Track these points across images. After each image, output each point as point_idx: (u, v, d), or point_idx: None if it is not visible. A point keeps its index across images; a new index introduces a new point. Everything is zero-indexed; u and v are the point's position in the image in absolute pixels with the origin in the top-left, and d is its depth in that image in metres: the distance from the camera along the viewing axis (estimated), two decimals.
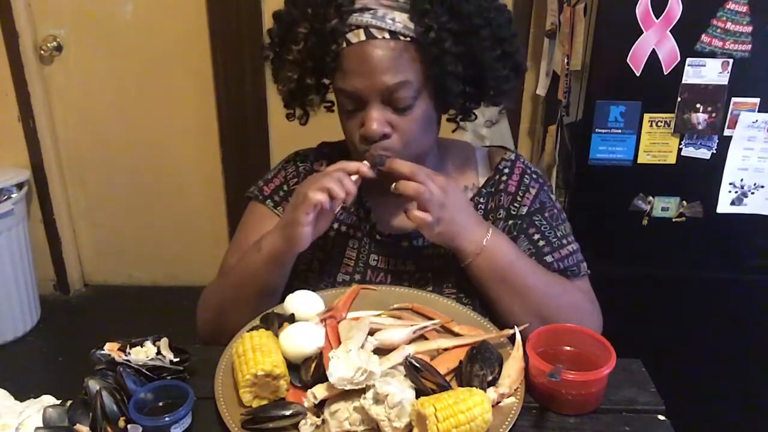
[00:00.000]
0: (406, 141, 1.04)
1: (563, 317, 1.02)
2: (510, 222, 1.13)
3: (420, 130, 1.05)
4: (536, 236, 1.13)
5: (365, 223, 1.16)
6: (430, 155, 1.14)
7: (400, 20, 0.99)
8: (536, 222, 1.13)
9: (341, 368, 0.82)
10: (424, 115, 1.04)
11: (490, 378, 0.88)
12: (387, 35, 0.99)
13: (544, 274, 1.08)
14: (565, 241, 1.14)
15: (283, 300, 1.05)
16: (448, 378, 0.90)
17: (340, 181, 0.99)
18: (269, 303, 1.07)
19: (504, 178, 1.16)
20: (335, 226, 1.16)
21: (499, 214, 1.14)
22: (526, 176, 1.16)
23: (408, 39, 1.00)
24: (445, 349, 0.95)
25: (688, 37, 1.60)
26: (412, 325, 0.97)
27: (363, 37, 0.99)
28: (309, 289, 1.10)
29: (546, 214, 1.14)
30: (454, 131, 1.19)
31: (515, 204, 1.14)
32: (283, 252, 1.04)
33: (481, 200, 1.16)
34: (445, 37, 0.99)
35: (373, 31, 0.99)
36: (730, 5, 1.57)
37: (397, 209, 1.14)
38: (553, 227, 1.14)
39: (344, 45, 1.00)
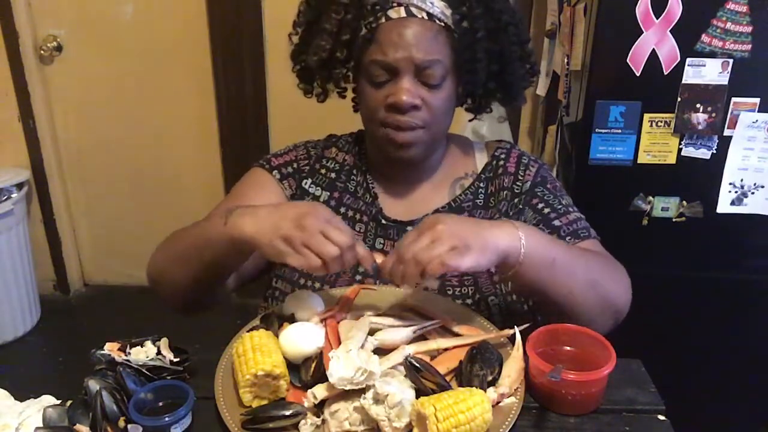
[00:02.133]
0: (432, 117, 1.08)
1: (609, 282, 1.04)
2: (515, 199, 1.16)
3: (444, 111, 1.11)
4: (540, 205, 1.15)
5: (371, 208, 1.18)
6: (440, 146, 1.19)
7: (438, 5, 1.06)
8: (539, 194, 1.16)
9: (341, 368, 0.82)
10: (449, 97, 1.10)
11: (490, 378, 0.88)
12: (425, 16, 1.05)
13: (575, 248, 1.07)
14: (570, 209, 1.16)
15: (282, 300, 1.05)
16: (448, 378, 0.90)
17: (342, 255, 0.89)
18: (213, 280, 1.06)
19: (501, 162, 1.20)
20: (342, 210, 1.19)
21: (501, 195, 1.17)
22: (524, 158, 1.20)
23: (443, 24, 1.06)
24: (445, 349, 0.95)
25: (688, 37, 1.60)
26: (412, 325, 0.96)
27: (403, 14, 1.05)
28: (314, 274, 1.11)
29: (548, 186, 1.18)
30: (471, 120, 1.25)
31: (518, 182, 1.17)
32: (244, 243, 0.94)
33: (481, 185, 1.19)
34: (478, 27, 1.07)
35: (413, 9, 1.05)
36: (730, 5, 1.57)
37: (404, 195, 1.19)
38: (557, 197, 1.17)
39: (383, 20, 1.05)
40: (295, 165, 1.22)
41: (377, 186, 1.20)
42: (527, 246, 0.93)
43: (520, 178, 1.17)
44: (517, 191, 1.16)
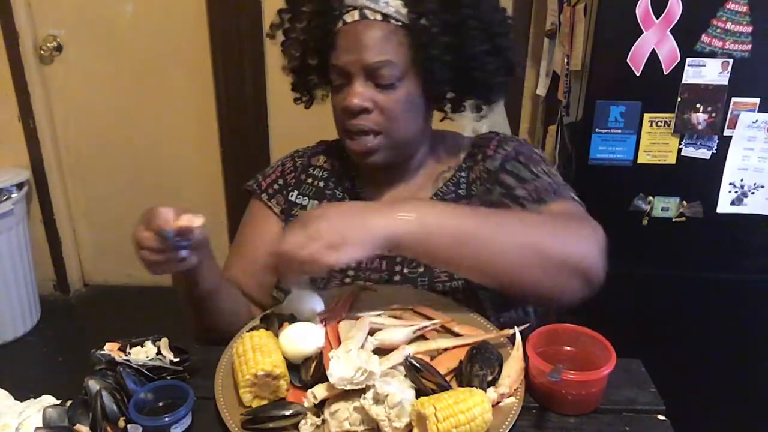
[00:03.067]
0: (387, 119, 1.07)
1: (556, 240, 0.94)
2: (489, 179, 1.13)
3: (403, 112, 1.08)
4: (507, 179, 1.11)
5: None
6: (421, 146, 1.17)
7: (394, 5, 1.05)
8: (509, 168, 1.12)
9: (341, 368, 0.82)
10: (407, 98, 1.07)
11: (490, 378, 0.88)
12: (379, 17, 1.04)
13: (505, 213, 1.01)
14: (543, 175, 1.10)
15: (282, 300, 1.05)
16: (448, 378, 0.89)
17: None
18: (203, 312, 1.09)
19: (482, 149, 1.17)
20: None
21: (481, 180, 1.14)
22: (503, 141, 1.17)
23: (399, 23, 1.05)
24: (445, 349, 0.95)
25: (688, 37, 1.60)
26: (412, 325, 0.96)
27: (357, 17, 1.05)
28: (309, 278, 1.11)
29: (521, 158, 1.13)
30: (441, 120, 1.20)
31: (494, 162, 1.14)
32: (183, 286, 1.04)
33: (463, 174, 1.17)
34: (434, 24, 1.04)
35: (367, 12, 1.04)
36: (730, 5, 1.57)
37: (389, 197, 1.18)
38: (528, 166, 1.11)
39: (340, 24, 1.06)
40: (281, 181, 1.23)
41: (364, 191, 1.20)
42: (425, 227, 0.90)
43: (495, 156, 1.14)
44: (491, 170, 1.13)
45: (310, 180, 1.22)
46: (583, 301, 0.96)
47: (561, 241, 0.95)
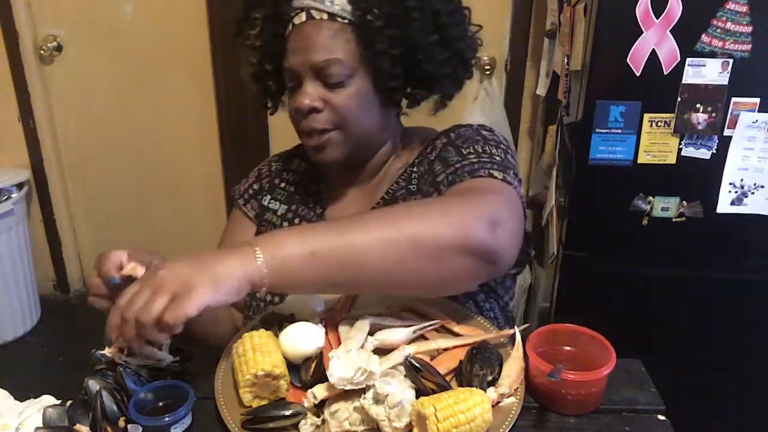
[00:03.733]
0: (339, 116, 1.06)
1: (427, 226, 0.85)
2: (426, 169, 1.12)
3: (355, 109, 1.07)
4: (437, 166, 1.08)
5: (321, 219, 1.18)
6: (383, 143, 1.15)
7: (339, 3, 1.05)
8: (443, 154, 1.09)
9: (341, 368, 0.82)
10: (358, 95, 1.07)
11: (490, 378, 0.88)
12: (326, 16, 1.05)
13: (368, 215, 0.94)
14: (471, 156, 1.04)
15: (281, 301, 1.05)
16: (448, 378, 0.89)
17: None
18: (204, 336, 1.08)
19: (433, 142, 1.15)
20: (296, 221, 1.19)
21: (425, 171, 1.12)
22: (453, 129, 1.14)
23: (345, 21, 1.05)
24: (445, 349, 0.95)
25: (688, 37, 1.60)
26: (412, 325, 0.96)
27: (304, 18, 1.05)
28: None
29: (458, 142, 1.09)
30: (397, 115, 1.18)
31: (434, 151, 1.12)
32: None
33: (414, 170, 1.15)
34: (379, 18, 1.03)
35: (313, 12, 1.05)
36: (730, 5, 1.57)
37: (350, 198, 1.18)
38: (460, 148, 1.07)
39: (290, 27, 1.07)
40: (256, 186, 1.25)
41: (329, 194, 1.20)
42: (276, 259, 0.81)
43: (436, 145, 1.13)
44: (431, 159, 1.11)
45: (283, 184, 1.24)
46: (489, 281, 0.89)
47: (433, 224, 0.85)
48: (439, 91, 1.13)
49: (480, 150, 1.05)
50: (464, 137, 1.10)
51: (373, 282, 0.87)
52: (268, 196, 1.23)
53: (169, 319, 0.76)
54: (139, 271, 0.89)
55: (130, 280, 0.88)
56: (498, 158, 1.04)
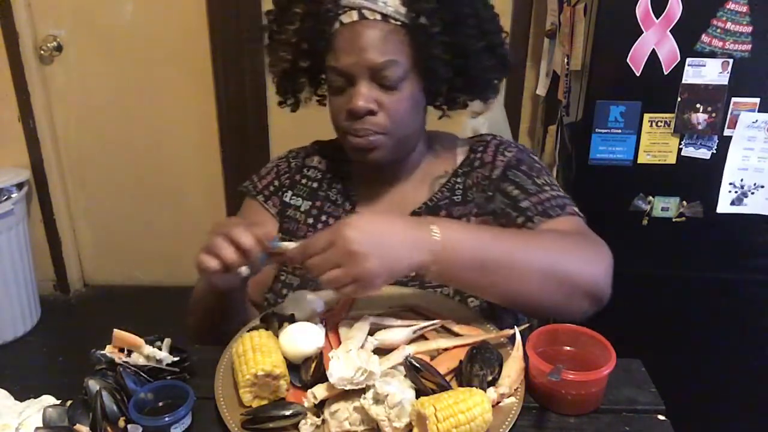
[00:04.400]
0: (392, 120, 1.06)
1: (571, 264, 0.96)
2: (489, 186, 1.13)
3: (406, 112, 1.07)
4: (510, 188, 1.11)
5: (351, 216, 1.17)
6: (419, 144, 1.17)
7: (392, 4, 1.04)
8: (510, 177, 1.12)
9: (341, 368, 0.82)
10: (410, 97, 1.07)
11: (490, 378, 0.88)
12: (378, 17, 1.03)
13: (525, 235, 1.01)
14: (547, 188, 1.10)
15: (281, 301, 1.05)
16: (448, 378, 0.89)
17: (232, 241, 0.92)
18: (227, 324, 1.06)
19: (479, 154, 1.17)
20: (323, 218, 1.18)
21: (479, 187, 1.14)
22: (501, 146, 1.17)
23: (398, 23, 1.04)
24: (445, 349, 0.95)
25: (688, 37, 1.60)
26: (412, 325, 0.96)
27: (355, 18, 1.03)
28: (297, 281, 1.11)
29: (523, 167, 1.13)
30: (440, 118, 1.19)
31: (495, 170, 1.14)
32: (215, 289, 1.02)
33: (458, 180, 1.16)
34: (434, 23, 1.03)
35: (366, 12, 1.03)
36: (730, 5, 1.57)
37: (382, 198, 1.18)
38: (532, 177, 1.11)
39: (337, 25, 1.04)
40: (276, 183, 1.23)
41: (358, 192, 1.19)
42: (450, 251, 0.89)
43: (496, 164, 1.14)
44: (492, 177, 1.13)
45: (304, 181, 1.22)
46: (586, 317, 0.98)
47: (577, 265, 0.96)
48: (481, 95, 1.15)
49: (549, 181, 1.12)
50: (526, 163, 1.13)
51: (508, 296, 0.95)
52: (290, 192, 1.22)
53: (344, 291, 0.87)
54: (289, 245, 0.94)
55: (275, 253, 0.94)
56: (560, 189, 1.12)
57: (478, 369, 0.88)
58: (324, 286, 0.90)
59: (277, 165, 1.25)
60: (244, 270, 0.95)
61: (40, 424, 0.86)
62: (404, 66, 1.04)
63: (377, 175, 1.17)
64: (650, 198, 1.75)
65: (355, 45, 1.02)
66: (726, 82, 1.63)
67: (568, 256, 0.97)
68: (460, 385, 0.89)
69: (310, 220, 1.19)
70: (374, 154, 1.08)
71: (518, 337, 0.95)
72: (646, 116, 1.68)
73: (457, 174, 1.17)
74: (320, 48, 1.07)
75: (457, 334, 0.98)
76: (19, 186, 2.68)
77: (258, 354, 0.88)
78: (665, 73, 1.64)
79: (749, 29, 1.59)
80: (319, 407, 0.85)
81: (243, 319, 1.08)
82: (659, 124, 1.69)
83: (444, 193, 1.15)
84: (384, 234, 0.88)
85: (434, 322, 0.99)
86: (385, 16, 1.03)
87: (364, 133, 1.06)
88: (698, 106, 1.65)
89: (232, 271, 0.93)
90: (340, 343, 0.92)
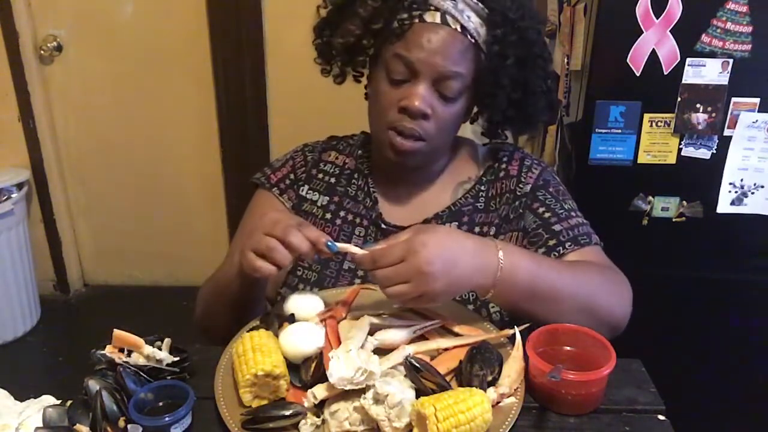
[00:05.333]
0: (439, 129, 1.07)
1: (599, 299, 1.01)
2: (516, 202, 1.15)
3: (452, 125, 1.10)
4: (541, 209, 1.14)
5: (371, 212, 1.18)
6: (444, 155, 1.19)
7: (474, 21, 1.05)
8: (540, 197, 1.15)
9: (341, 368, 0.82)
10: (460, 113, 1.09)
11: (490, 378, 0.88)
12: (459, 27, 1.04)
13: (567, 266, 1.05)
14: (573, 213, 1.14)
15: (282, 300, 1.05)
16: (448, 378, 0.90)
17: (285, 244, 0.92)
18: (247, 314, 1.06)
19: (503, 165, 1.19)
20: (342, 214, 1.18)
21: (503, 199, 1.16)
22: (527, 160, 1.19)
23: (473, 40, 1.05)
24: (445, 349, 0.95)
25: (688, 37, 1.60)
26: (412, 325, 0.96)
27: (438, 20, 1.04)
28: (314, 276, 1.11)
29: (551, 189, 1.16)
30: (484, 145, 1.24)
31: (520, 185, 1.16)
32: (248, 276, 1.00)
33: (482, 188, 1.18)
34: (509, 54, 1.05)
35: (449, 18, 1.04)
36: (730, 5, 1.57)
37: (405, 199, 1.19)
38: (559, 200, 1.15)
39: (417, 20, 1.04)
40: (292, 176, 1.22)
41: (378, 190, 1.19)
42: (503, 278, 0.94)
43: (522, 180, 1.16)
44: (519, 194, 1.15)
45: (320, 175, 1.22)
46: None
47: (608, 302, 1.02)
48: (525, 131, 1.22)
49: (573, 206, 1.16)
50: (552, 185, 1.17)
51: (544, 320, 0.97)
52: (306, 186, 1.21)
53: (408, 305, 0.95)
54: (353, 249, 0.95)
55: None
56: (580, 215, 1.16)
57: (478, 369, 0.88)
58: (387, 297, 0.91)
59: (293, 158, 1.24)
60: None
61: (40, 424, 0.86)
62: (466, 81, 1.06)
63: (400, 174, 1.17)
64: (650, 198, 1.75)
65: (430, 45, 1.03)
66: (726, 82, 1.63)
67: (602, 293, 1.02)
68: (460, 385, 0.89)
69: (328, 216, 1.19)
70: (410, 158, 1.09)
71: (518, 337, 0.95)
72: (646, 116, 1.68)
73: (481, 182, 1.18)
74: (391, 33, 1.05)
75: (457, 334, 0.99)
76: (19, 186, 2.68)
77: (258, 354, 0.88)
78: (665, 73, 1.64)
79: (749, 29, 1.59)
80: (319, 407, 0.85)
81: (260, 310, 1.09)
82: (659, 124, 1.68)
83: (468, 199, 1.17)
84: (456, 256, 0.90)
85: (434, 322, 0.99)
86: (464, 29, 1.04)
87: (410, 134, 1.06)
88: (698, 106, 1.65)
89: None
90: (340, 343, 0.92)
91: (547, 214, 1.13)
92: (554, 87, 1.16)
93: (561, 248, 1.09)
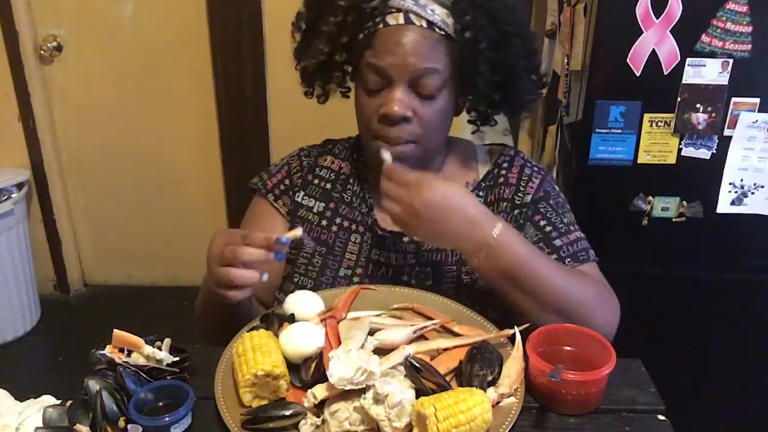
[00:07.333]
0: (425, 129, 1.05)
1: (584, 311, 1.01)
2: (516, 212, 1.14)
3: (439, 122, 1.08)
4: (542, 222, 1.13)
5: (367, 218, 1.17)
6: (439, 154, 1.17)
7: (439, 13, 1.03)
8: (541, 209, 1.14)
9: (341, 368, 0.82)
10: (444, 109, 1.07)
11: (490, 378, 0.88)
12: (424, 24, 1.02)
13: (560, 269, 1.04)
14: (572, 228, 1.14)
15: (282, 300, 1.05)
16: (448, 378, 0.90)
17: (243, 263, 0.93)
18: (239, 320, 1.05)
19: (503, 171, 1.17)
20: (337, 221, 1.18)
21: (501, 206, 1.15)
22: (527, 168, 1.17)
23: (443, 33, 1.03)
24: (445, 349, 0.95)
25: (688, 37, 1.60)
26: (412, 325, 0.97)
27: (401, 21, 1.02)
28: (311, 283, 1.11)
29: (551, 202, 1.15)
30: (473, 133, 1.21)
31: (519, 194, 1.14)
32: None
33: (480, 194, 1.17)
34: (481, 39, 1.03)
35: (412, 16, 1.02)
36: (730, 5, 1.57)
37: None
38: (559, 214, 1.14)
39: (381, 25, 1.03)
40: (287, 181, 1.21)
41: (374, 195, 1.17)
42: (492, 252, 0.96)
43: (522, 189, 1.14)
44: (518, 203, 1.14)
45: (316, 181, 1.21)
46: None
47: (595, 313, 1.02)
48: (516, 114, 1.16)
49: (572, 219, 1.16)
50: (553, 197, 1.16)
51: (518, 308, 1.00)
52: (301, 192, 1.20)
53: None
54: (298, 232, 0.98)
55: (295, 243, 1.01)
56: (579, 229, 1.16)
57: (478, 369, 0.88)
58: (382, 205, 0.99)
59: (289, 163, 1.24)
60: (265, 277, 0.96)
61: (40, 424, 0.86)
62: (443, 76, 1.04)
63: None
64: (650, 198, 1.75)
65: (398, 48, 1.01)
66: (726, 82, 1.63)
67: (591, 305, 1.03)
68: (460, 385, 0.89)
69: (324, 222, 1.18)
70: (403, 162, 1.07)
71: (518, 337, 0.95)
72: (646, 116, 1.68)
73: (479, 187, 1.17)
74: (360, 44, 1.05)
75: (457, 334, 0.99)
76: (19, 186, 2.68)
77: (258, 354, 0.88)
78: (665, 73, 1.64)
79: (749, 29, 1.59)
80: (319, 407, 0.85)
81: (251, 317, 1.08)
82: (659, 124, 1.68)
83: None
84: (452, 213, 0.95)
85: (434, 322, 0.99)
86: (431, 24, 1.02)
87: (396, 141, 1.05)
88: (698, 106, 1.65)
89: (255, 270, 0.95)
90: (340, 343, 0.92)
91: (548, 228, 1.12)
92: (538, 63, 1.12)
93: (560, 263, 1.09)
